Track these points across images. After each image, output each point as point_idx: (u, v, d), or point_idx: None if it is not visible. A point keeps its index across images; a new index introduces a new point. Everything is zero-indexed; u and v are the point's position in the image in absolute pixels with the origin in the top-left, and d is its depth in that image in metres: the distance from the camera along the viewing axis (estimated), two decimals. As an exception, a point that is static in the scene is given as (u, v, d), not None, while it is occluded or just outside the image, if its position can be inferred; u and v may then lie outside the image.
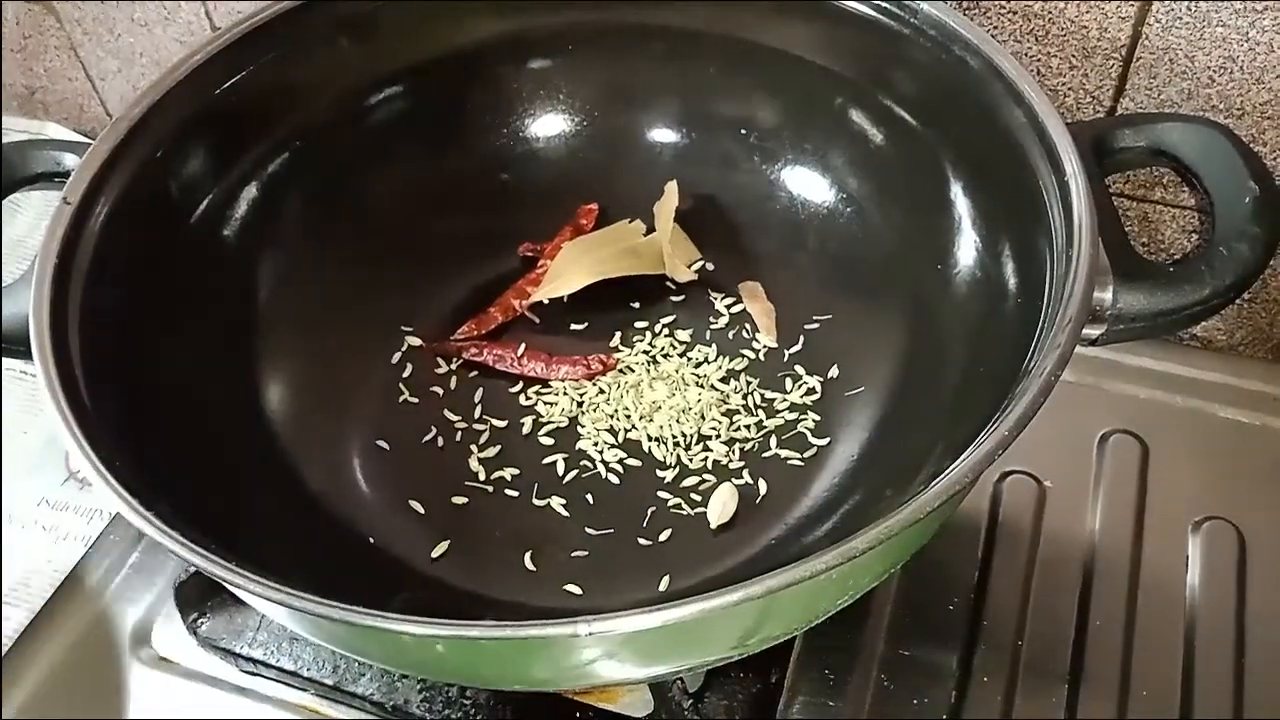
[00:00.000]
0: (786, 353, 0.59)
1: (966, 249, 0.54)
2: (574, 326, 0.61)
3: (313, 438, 0.55)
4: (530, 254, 0.63)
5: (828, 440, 0.55)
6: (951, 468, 0.38)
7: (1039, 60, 0.60)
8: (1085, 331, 0.43)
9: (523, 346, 0.60)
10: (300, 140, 0.58)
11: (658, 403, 0.57)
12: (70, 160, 0.52)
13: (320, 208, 0.59)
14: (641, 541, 0.53)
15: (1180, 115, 0.54)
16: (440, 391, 0.59)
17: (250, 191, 0.57)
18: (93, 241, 0.48)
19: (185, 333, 0.52)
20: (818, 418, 0.56)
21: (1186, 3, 0.56)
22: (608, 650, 0.39)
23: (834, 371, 0.58)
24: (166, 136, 0.52)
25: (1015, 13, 0.59)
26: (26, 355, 0.45)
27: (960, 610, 0.55)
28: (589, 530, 0.54)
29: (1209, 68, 0.58)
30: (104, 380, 0.45)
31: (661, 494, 0.54)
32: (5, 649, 0.57)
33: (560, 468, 0.56)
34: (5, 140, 0.54)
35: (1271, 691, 0.52)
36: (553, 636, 0.35)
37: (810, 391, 0.57)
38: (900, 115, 0.56)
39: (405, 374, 0.59)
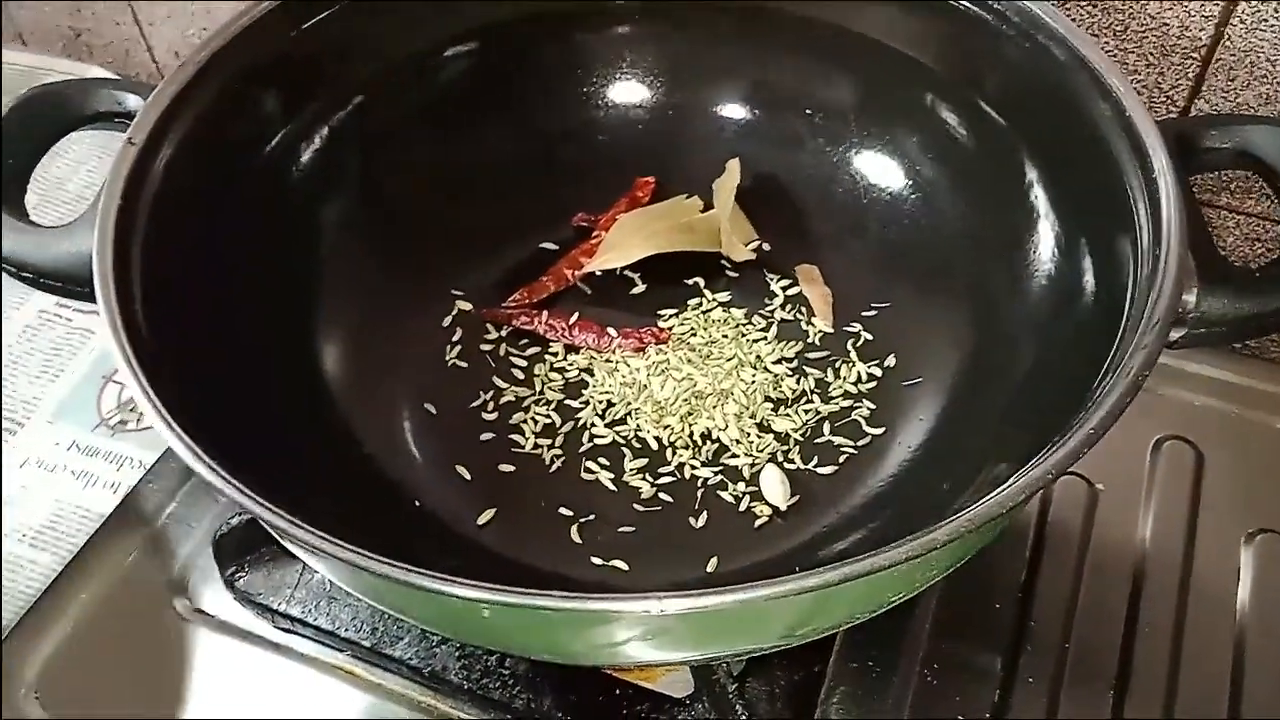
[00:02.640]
0: (842, 339, 0.58)
1: (1042, 243, 0.52)
2: (627, 300, 0.60)
3: (364, 397, 0.54)
4: (585, 224, 0.62)
5: (883, 430, 0.54)
6: (1035, 462, 0.37)
7: (1115, 56, 0.59)
8: (1167, 333, 0.42)
9: (575, 316, 0.59)
10: (366, 94, 0.57)
11: (710, 382, 0.56)
12: (133, 101, 0.51)
13: (382, 164, 0.58)
14: (689, 521, 0.52)
15: (1267, 118, 0.52)
16: (490, 358, 0.58)
17: (314, 143, 0.56)
18: (156, 183, 0.47)
19: (245, 282, 0.51)
20: (873, 406, 0.55)
21: (1274, 3, 0.54)
22: (657, 629, 0.39)
23: (891, 360, 0.57)
24: (232, 82, 0.51)
25: (1095, 6, 0.58)
26: (85, 296, 0.44)
27: (1006, 610, 0.54)
28: (636, 506, 0.53)
29: (1290, 73, 0.56)
30: (165, 323, 0.44)
31: (711, 474, 0.54)
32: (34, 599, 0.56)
33: (609, 441, 0.55)
34: (53, 81, 0.53)
35: (1319, 707, 0.52)
36: (625, 612, 0.34)
37: (866, 379, 0.56)
38: (978, 103, 0.55)
39: (456, 338, 0.58)
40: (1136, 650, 0.53)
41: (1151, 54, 0.59)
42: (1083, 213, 0.50)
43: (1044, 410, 0.45)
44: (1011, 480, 0.37)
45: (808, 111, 0.61)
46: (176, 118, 0.48)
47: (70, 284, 0.45)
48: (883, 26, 0.57)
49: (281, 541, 0.39)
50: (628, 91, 0.63)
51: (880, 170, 0.60)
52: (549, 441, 0.55)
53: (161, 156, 0.48)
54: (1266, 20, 0.55)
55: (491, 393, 0.57)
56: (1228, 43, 0.57)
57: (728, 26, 0.60)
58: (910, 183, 0.59)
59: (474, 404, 0.56)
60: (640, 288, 0.61)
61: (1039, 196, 0.53)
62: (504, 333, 0.59)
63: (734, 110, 0.62)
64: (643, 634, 0.38)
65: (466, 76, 0.60)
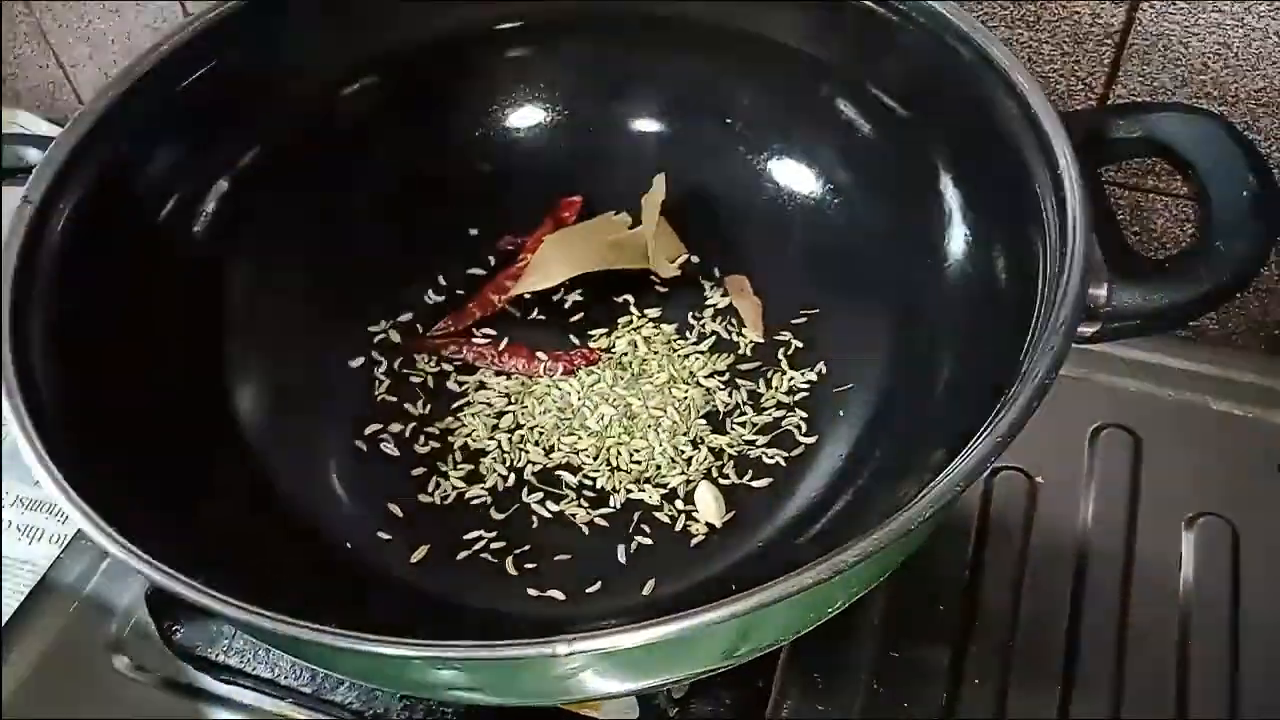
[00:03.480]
0: (773, 348, 0.58)
1: (957, 243, 0.52)
2: (556, 321, 0.60)
3: (286, 441, 0.53)
4: (511, 247, 0.62)
5: (816, 438, 0.54)
6: (942, 476, 0.37)
7: (1030, 47, 0.59)
8: (1079, 330, 0.41)
9: (504, 342, 0.58)
10: (272, 133, 0.56)
11: (642, 400, 0.56)
12: (34, 155, 0.50)
13: (294, 203, 0.57)
14: (626, 545, 0.52)
15: (1176, 105, 0.52)
16: (419, 389, 0.57)
17: (220, 187, 0.55)
18: (56, 242, 0.46)
19: (153, 336, 0.50)
20: (805, 415, 0.55)
21: (1182, -13, 0.54)
22: (588, 665, 0.38)
23: (822, 367, 0.56)
24: (133, 131, 0.51)
25: (1006, -2, 0.58)
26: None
27: (950, 610, 0.54)
28: (572, 533, 0.52)
29: (1203, 54, 0.56)
30: (68, 387, 0.43)
31: (646, 496, 0.53)
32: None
33: (542, 468, 0.54)
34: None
35: (1266, 689, 0.51)
36: (530, 657, 0.34)
37: (797, 389, 0.56)
38: (889, 105, 0.55)
39: (382, 372, 0.58)
40: (1082, 641, 0.53)
41: (1065, 43, 0.58)
42: (994, 212, 0.50)
43: (971, 409, 0.45)
44: (919, 495, 0.36)
45: (727, 121, 0.61)
46: (73, 174, 0.48)
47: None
48: (788, 30, 0.56)
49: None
50: (543, 112, 0.62)
51: (800, 177, 0.60)
52: (482, 472, 0.54)
53: (60, 213, 0.47)
54: (1175, 4, 0.55)
55: (422, 425, 0.56)
56: (1139, 27, 0.57)
57: (628, 40, 0.59)
58: (829, 188, 0.59)
59: (404, 438, 0.56)
60: (569, 308, 0.60)
61: (952, 196, 0.52)
62: (433, 363, 0.58)
63: (653, 124, 0.62)
64: (569, 672, 0.38)
65: (371, 111, 0.59)
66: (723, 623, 0.34)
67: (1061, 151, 0.44)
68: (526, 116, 0.62)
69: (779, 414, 0.55)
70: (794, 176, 0.60)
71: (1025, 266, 0.45)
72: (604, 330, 0.59)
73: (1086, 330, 0.43)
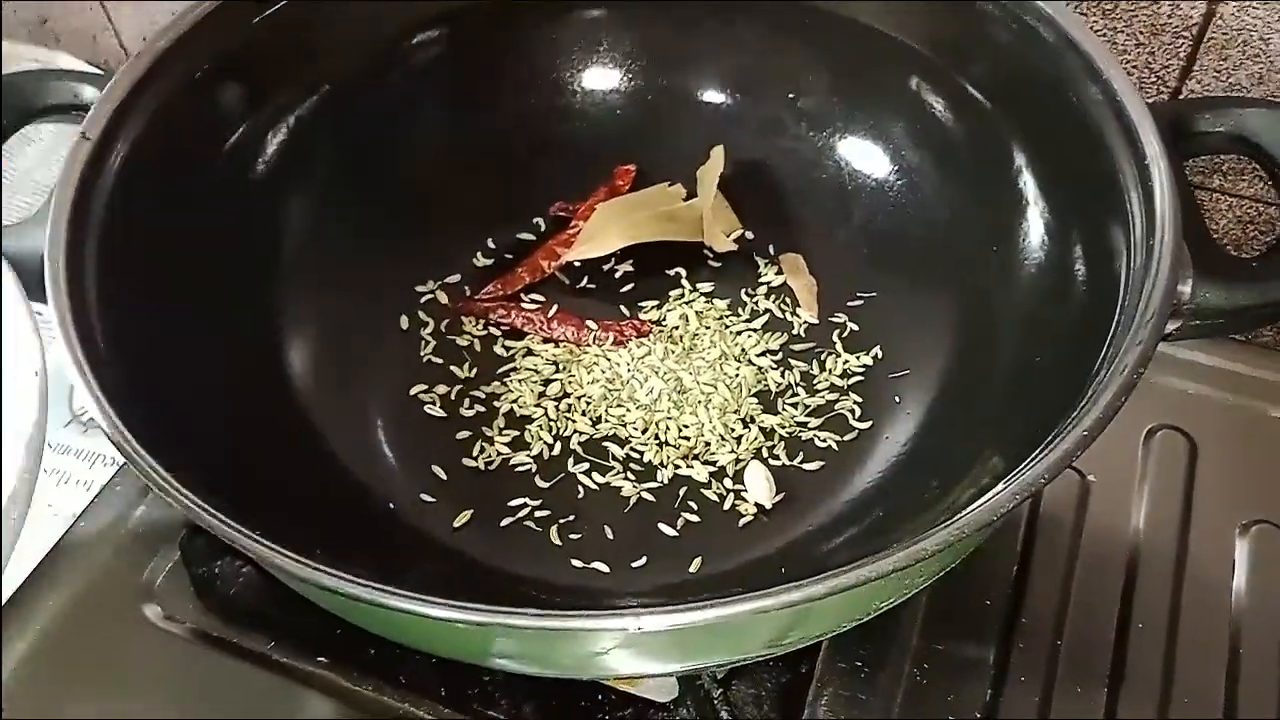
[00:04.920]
0: (827, 330, 0.56)
1: (1031, 232, 0.51)
2: (607, 291, 0.59)
3: (334, 397, 0.52)
4: (563, 214, 0.61)
5: (870, 424, 0.53)
6: (1025, 466, 0.36)
7: (1104, 36, 0.58)
8: (1161, 326, 0.40)
9: (553, 309, 0.57)
10: (332, 84, 0.55)
11: (692, 376, 0.55)
12: (89, 93, 0.49)
13: (350, 156, 0.56)
14: (673, 520, 0.51)
15: (1263, 101, 0.51)
16: (466, 353, 0.56)
17: (278, 135, 0.54)
18: (112, 180, 0.45)
19: (206, 281, 0.49)
20: (859, 400, 0.54)
21: (1268, -19, 0.53)
22: (627, 644, 0.37)
23: (878, 352, 0.55)
24: (192, 72, 0.49)
25: (1083, -16, 0.56)
26: (39, 297, 0.43)
27: (997, 606, 0.53)
28: (617, 506, 0.51)
29: (1285, 51, 0.55)
30: (120, 326, 0.42)
31: (694, 472, 0.52)
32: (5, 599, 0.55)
33: (589, 438, 0.53)
34: (15, 69, 0.51)
35: (1316, 701, 0.51)
36: (600, 630, 0.33)
37: (851, 372, 0.55)
38: (964, 86, 0.53)
39: (430, 334, 0.57)
40: (1130, 645, 0.52)
41: (1141, 33, 0.57)
42: (1074, 200, 0.49)
43: (1036, 404, 0.44)
44: (1002, 486, 0.35)
45: (790, 96, 0.59)
46: (132, 111, 0.47)
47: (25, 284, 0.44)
48: (865, 8, 0.55)
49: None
50: (604, 77, 0.61)
51: (865, 156, 0.58)
52: (528, 439, 0.53)
53: (117, 152, 0.46)
54: (1262, -1, 0.54)
55: (467, 388, 0.55)
56: (1220, 20, 0.55)
57: (703, 9, 0.58)
58: (896, 169, 0.57)
59: (450, 402, 0.55)
60: (620, 279, 0.59)
61: (1028, 183, 0.51)
62: (481, 327, 0.57)
63: (715, 95, 0.61)
64: (615, 647, 0.37)
65: (435, 64, 0.58)
66: (796, 605, 0.33)
67: (1149, 140, 0.43)
68: (586, 81, 0.61)
69: (832, 397, 0.54)
70: (859, 155, 0.58)
71: (1107, 259, 0.44)
72: (655, 302, 0.58)
73: (1169, 327, 0.42)
